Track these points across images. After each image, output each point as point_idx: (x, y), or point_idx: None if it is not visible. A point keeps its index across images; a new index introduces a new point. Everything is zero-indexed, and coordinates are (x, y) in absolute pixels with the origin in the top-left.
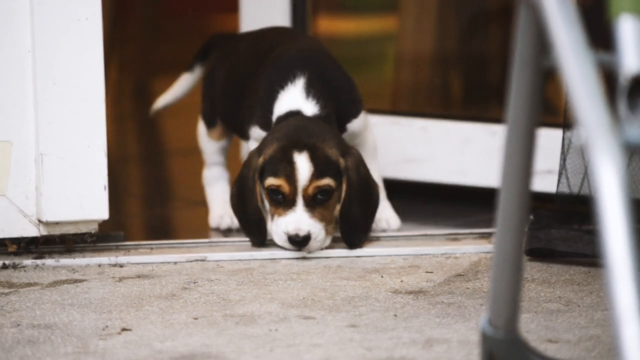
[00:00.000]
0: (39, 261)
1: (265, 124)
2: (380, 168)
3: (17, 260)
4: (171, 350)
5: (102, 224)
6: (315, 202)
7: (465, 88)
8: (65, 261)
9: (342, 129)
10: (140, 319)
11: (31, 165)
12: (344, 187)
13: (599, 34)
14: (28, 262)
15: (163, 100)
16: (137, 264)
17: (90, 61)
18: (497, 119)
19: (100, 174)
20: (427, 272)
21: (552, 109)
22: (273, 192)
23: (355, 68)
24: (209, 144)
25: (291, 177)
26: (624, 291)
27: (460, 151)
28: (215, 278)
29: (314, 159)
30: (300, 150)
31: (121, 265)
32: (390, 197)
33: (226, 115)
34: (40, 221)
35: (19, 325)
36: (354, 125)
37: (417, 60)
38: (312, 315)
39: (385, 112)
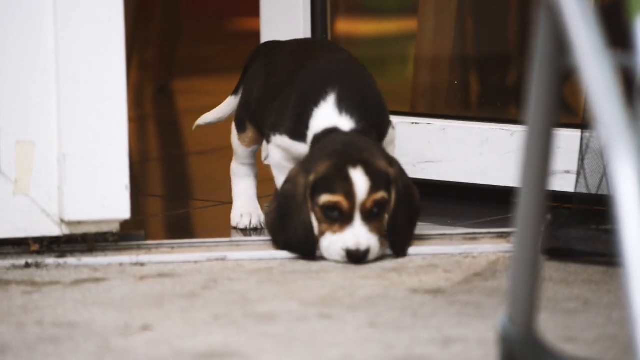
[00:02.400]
0: (61, 260)
1: (298, 136)
2: None
3: (39, 259)
4: (192, 348)
5: (124, 224)
6: (371, 216)
7: (484, 89)
8: (87, 260)
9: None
10: (161, 317)
11: (54, 165)
12: (393, 196)
13: (618, 34)
14: (50, 261)
15: (206, 117)
16: (158, 263)
17: (112, 62)
18: (515, 119)
19: (122, 173)
20: (445, 271)
21: (571, 109)
22: (329, 209)
23: (375, 69)
24: (239, 148)
25: (349, 193)
26: None
27: (479, 152)
28: (236, 277)
29: (369, 173)
30: (354, 165)
31: (142, 264)
32: None
33: (258, 121)
34: (62, 220)
35: (41, 323)
36: (386, 140)
37: (436, 61)
38: (331, 313)
39: (404, 113)
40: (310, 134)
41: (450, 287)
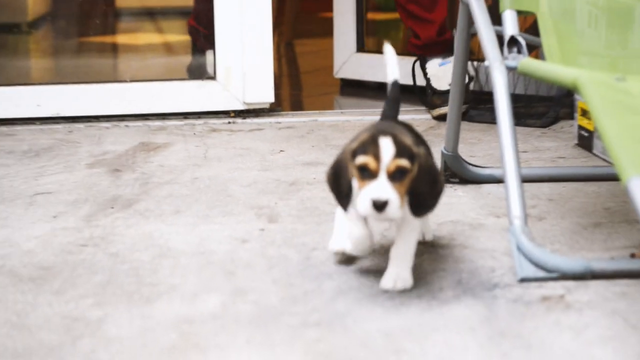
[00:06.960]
0: None
1: None
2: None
3: None
4: None
5: None
6: (394, 178)
7: None
8: None
9: None
10: None
11: None
12: (415, 169)
13: (494, 16)
14: None
15: None
16: None
17: (264, 30)
18: None
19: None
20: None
21: None
22: (362, 168)
23: None
24: None
25: (377, 155)
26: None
27: None
28: None
29: (395, 143)
30: (385, 135)
31: None
32: None
33: None
34: None
35: None
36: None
37: None
38: None
39: None
40: None
41: None
